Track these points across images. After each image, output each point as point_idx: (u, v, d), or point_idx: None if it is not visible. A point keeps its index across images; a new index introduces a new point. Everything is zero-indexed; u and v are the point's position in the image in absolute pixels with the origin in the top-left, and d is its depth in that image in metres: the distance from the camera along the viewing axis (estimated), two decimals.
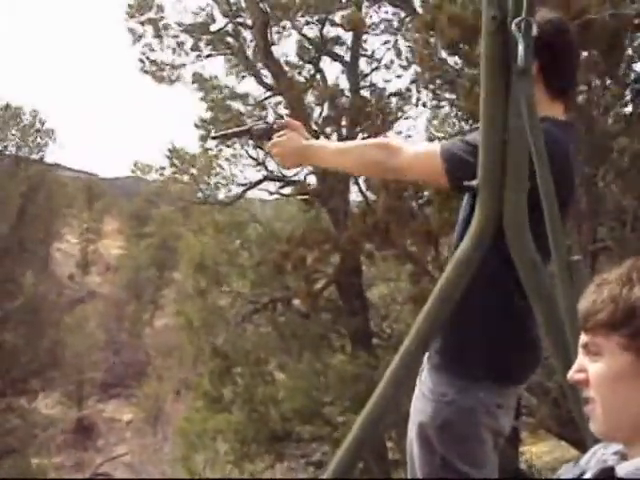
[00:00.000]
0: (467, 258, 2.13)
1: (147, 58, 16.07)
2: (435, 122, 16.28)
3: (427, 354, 2.28)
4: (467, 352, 2.20)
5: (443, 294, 2.17)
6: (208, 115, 14.93)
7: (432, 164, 2.20)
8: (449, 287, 2.16)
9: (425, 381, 2.26)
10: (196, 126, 14.72)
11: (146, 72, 16.22)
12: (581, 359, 1.30)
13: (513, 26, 1.97)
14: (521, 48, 1.98)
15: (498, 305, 2.16)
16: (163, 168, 15.75)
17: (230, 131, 2.80)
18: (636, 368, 1.21)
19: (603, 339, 1.24)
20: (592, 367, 1.26)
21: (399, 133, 15.53)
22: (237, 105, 15.18)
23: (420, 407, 2.27)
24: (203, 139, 14.83)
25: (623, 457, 1.29)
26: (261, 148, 15.09)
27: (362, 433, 2.30)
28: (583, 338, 1.29)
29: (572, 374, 1.30)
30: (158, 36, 15.47)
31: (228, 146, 14.97)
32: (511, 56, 2.02)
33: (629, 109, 10.46)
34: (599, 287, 1.27)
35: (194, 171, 15.59)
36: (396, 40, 14.82)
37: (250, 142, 15.35)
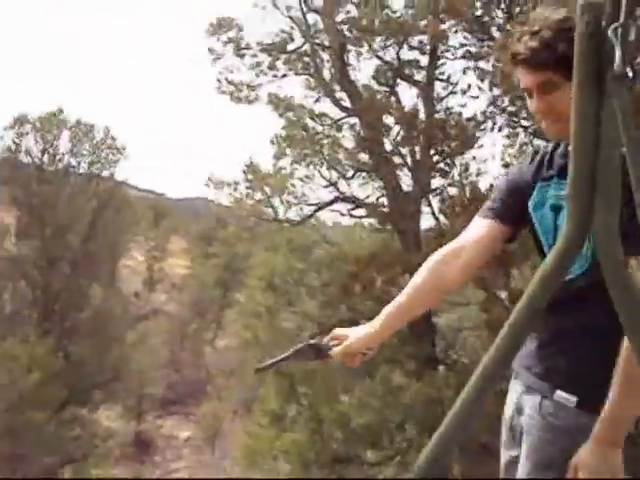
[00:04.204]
0: (554, 270, 2.01)
1: (225, 79, 16.34)
2: (511, 150, 16.13)
3: (550, 383, 2.14)
4: (600, 380, 2.04)
5: (527, 308, 2.04)
6: (284, 133, 15.09)
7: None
8: (534, 300, 2.04)
9: (555, 411, 2.11)
10: (272, 142, 14.90)
11: (223, 92, 16.48)
12: None
13: (610, 31, 1.90)
14: (618, 53, 1.89)
15: (612, 326, 2.06)
16: (237, 183, 15.93)
17: (278, 359, 2.42)
18: None
19: None
20: None
21: (474, 159, 15.43)
22: (313, 124, 15.29)
23: (552, 439, 2.11)
24: (277, 157, 15.00)
25: None
26: (335, 169, 15.16)
27: (431, 457, 2.15)
28: None
29: None
30: (238, 55, 15.72)
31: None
32: (606, 62, 1.94)
33: None
34: None
35: (267, 189, 15.73)
36: (476, 65, 14.75)
37: (323, 162, 15.43)
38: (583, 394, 2.07)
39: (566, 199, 2.01)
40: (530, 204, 2.17)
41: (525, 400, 2.19)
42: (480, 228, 2.21)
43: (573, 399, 2.08)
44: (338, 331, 2.33)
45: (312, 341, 2.32)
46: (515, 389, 2.25)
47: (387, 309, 2.29)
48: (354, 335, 2.27)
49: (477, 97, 14.80)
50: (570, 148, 2.01)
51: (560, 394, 2.10)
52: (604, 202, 1.96)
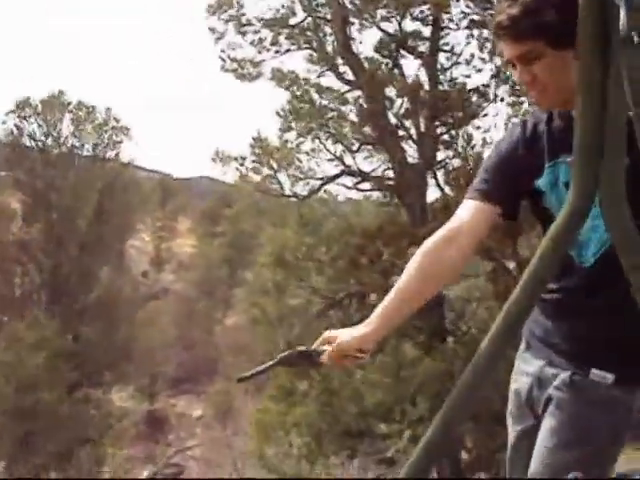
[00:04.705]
0: (562, 236, 1.98)
1: (228, 56, 16.24)
2: (515, 120, 16.07)
3: (580, 361, 2.10)
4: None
5: (535, 276, 2.01)
6: (289, 107, 15.04)
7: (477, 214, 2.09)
8: (542, 268, 2.01)
9: (588, 386, 2.08)
10: (278, 115, 14.85)
11: (227, 70, 16.40)
12: None
13: None
14: (623, 15, 1.85)
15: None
16: (244, 158, 15.92)
17: (261, 368, 2.29)
18: None
19: None
20: None
21: (477, 129, 15.38)
22: (318, 98, 15.23)
23: (585, 414, 2.09)
24: (283, 130, 14.99)
25: None
26: (341, 142, 15.11)
27: (441, 429, 2.15)
28: None
29: None
30: (240, 33, 15.62)
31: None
32: (611, 28, 1.90)
33: None
34: None
35: (273, 164, 15.69)
36: (480, 33, 14.64)
37: (329, 136, 15.39)
38: (619, 372, 2.04)
39: (571, 165, 1.98)
40: (543, 185, 2.09)
41: (550, 373, 2.13)
42: (470, 211, 2.10)
43: (610, 377, 2.05)
44: (329, 334, 2.11)
45: (301, 348, 2.16)
46: (530, 362, 2.19)
47: (382, 306, 2.06)
48: (346, 335, 2.05)
49: (480, 70, 14.70)
50: (574, 113, 1.97)
51: (596, 372, 2.06)
52: (610, 167, 1.93)
